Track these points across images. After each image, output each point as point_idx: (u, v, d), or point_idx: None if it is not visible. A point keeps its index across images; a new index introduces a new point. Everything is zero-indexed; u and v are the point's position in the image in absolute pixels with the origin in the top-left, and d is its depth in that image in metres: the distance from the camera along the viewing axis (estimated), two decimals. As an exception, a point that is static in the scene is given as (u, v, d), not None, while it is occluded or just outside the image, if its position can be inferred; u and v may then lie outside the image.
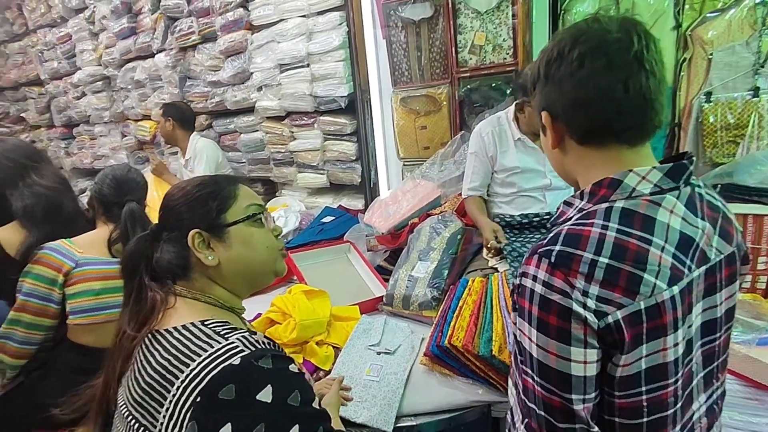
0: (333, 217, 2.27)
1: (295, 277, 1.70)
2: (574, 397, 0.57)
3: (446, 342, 1.12)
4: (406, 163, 2.46)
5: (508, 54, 2.04)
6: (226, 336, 0.63)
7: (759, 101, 1.66)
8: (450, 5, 2.05)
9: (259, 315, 1.42)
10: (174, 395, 0.58)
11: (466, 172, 1.92)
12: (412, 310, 1.44)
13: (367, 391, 1.10)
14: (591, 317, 0.55)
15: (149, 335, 0.67)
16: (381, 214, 2.06)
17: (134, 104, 3.50)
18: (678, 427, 0.63)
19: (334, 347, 1.31)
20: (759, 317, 1.16)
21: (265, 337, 0.69)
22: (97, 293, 1.27)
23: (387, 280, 1.62)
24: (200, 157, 2.64)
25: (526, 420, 0.63)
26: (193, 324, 0.66)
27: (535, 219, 1.74)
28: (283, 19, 2.44)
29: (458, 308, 1.26)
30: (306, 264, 1.75)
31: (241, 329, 0.67)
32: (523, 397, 0.64)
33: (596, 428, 0.58)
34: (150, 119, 3.45)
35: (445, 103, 2.21)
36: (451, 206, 2.02)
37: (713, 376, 0.69)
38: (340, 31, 2.29)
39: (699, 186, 0.65)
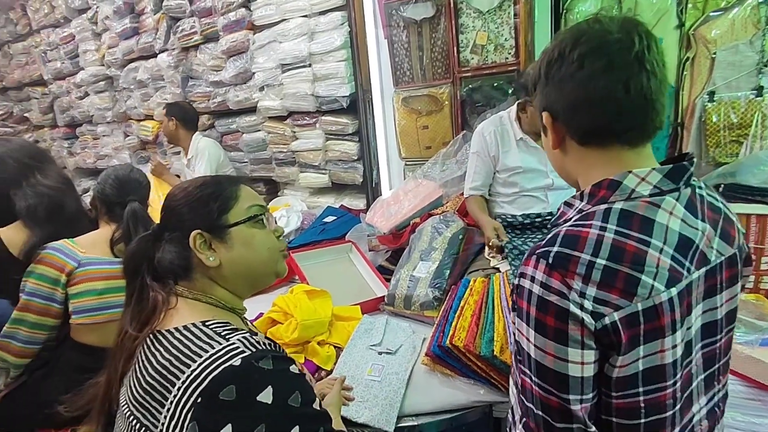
0: (335, 217, 2.27)
1: (297, 277, 1.70)
2: (571, 397, 0.57)
3: (448, 342, 1.12)
4: (407, 163, 2.46)
5: (510, 54, 2.04)
6: (226, 337, 0.64)
7: (762, 100, 1.66)
8: (452, 5, 2.05)
9: (261, 315, 1.42)
10: (175, 396, 0.58)
11: (468, 172, 1.92)
12: (413, 310, 1.44)
13: (368, 391, 1.10)
14: (588, 318, 0.55)
15: (151, 335, 0.67)
16: (383, 214, 2.06)
17: (137, 104, 3.51)
18: (677, 429, 0.62)
19: (335, 347, 1.31)
20: (762, 318, 1.16)
21: (266, 338, 0.69)
22: (99, 293, 1.27)
23: (388, 280, 1.62)
24: (201, 156, 2.65)
25: (524, 419, 0.64)
26: (194, 325, 0.66)
27: (536, 219, 1.73)
28: (285, 19, 2.45)
29: (460, 308, 1.26)
30: (308, 264, 1.75)
31: (242, 330, 0.67)
32: (521, 396, 0.64)
33: (594, 428, 0.58)
34: (152, 119, 3.46)
35: (446, 102, 2.21)
36: (452, 206, 2.02)
37: (714, 379, 0.68)
38: (342, 31, 2.29)
39: (700, 187, 0.65)
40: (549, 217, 1.72)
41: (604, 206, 0.61)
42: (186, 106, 2.80)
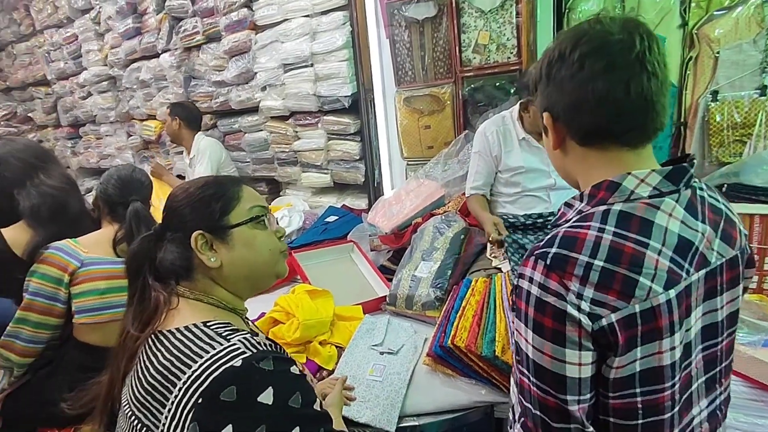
0: (336, 217, 2.27)
1: (299, 277, 1.71)
2: (569, 397, 0.57)
3: (449, 342, 1.12)
4: (409, 163, 2.46)
5: (512, 53, 2.03)
6: (227, 337, 0.64)
7: (766, 100, 1.65)
8: (454, 4, 2.04)
9: (263, 314, 1.42)
10: (176, 396, 0.59)
11: (470, 171, 1.91)
12: (415, 310, 1.44)
13: (370, 391, 1.11)
14: (585, 320, 0.55)
15: (152, 336, 0.67)
16: (384, 214, 2.05)
17: (139, 104, 3.52)
18: (676, 431, 0.62)
19: (337, 347, 1.31)
20: (765, 318, 1.15)
21: (267, 338, 0.69)
22: (102, 292, 1.28)
23: (390, 280, 1.62)
24: (202, 155, 2.66)
25: (523, 419, 0.64)
26: (195, 325, 0.67)
27: (539, 219, 1.73)
28: (287, 19, 2.45)
29: (461, 308, 1.26)
30: (309, 263, 1.75)
31: (243, 330, 0.67)
32: (519, 396, 0.64)
33: (591, 428, 0.58)
34: (155, 119, 3.47)
35: (448, 102, 2.21)
36: (454, 206, 2.01)
37: (716, 381, 0.68)
38: (344, 30, 2.29)
39: (701, 188, 0.64)
40: (551, 218, 1.71)
41: (603, 207, 0.61)
42: (190, 106, 2.81)
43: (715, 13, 1.69)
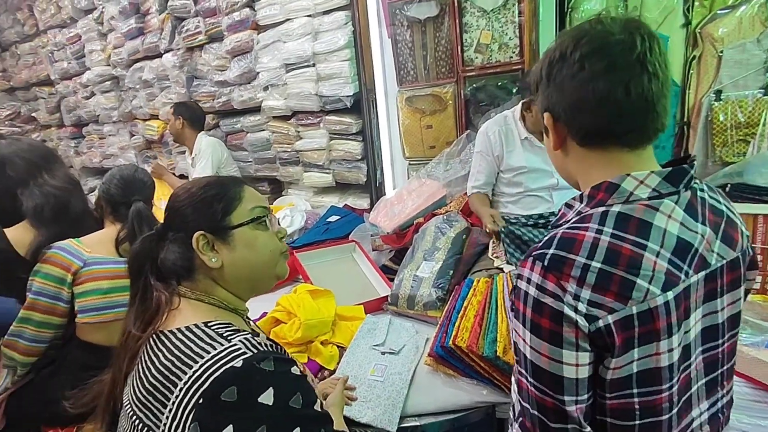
0: (338, 217, 2.28)
1: (301, 277, 1.71)
2: (566, 398, 0.57)
3: (450, 343, 1.12)
4: (411, 163, 2.45)
5: (514, 53, 2.03)
6: (228, 338, 0.64)
7: (770, 99, 1.64)
8: (456, 4, 2.04)
9: (265, 314, 1.43)
10: (177, 396, 0.59)
11: (472, 171, 1.92)
12: (416, 310, 1.44)
13: (371, 391, 1.11)
14: (582, 321, 0.55)
15: (154, 336, 0.68)
16: (386, 214, 2.05)
17: (142, 104, 3.53)
18: None
19: (338, 347, 1.31)
20: (768, 319, 1.15)
21: (268, 339, 0.69)
22: (105, 292, 1.28)
23: (392, 280, 1.62)
24: (202, 155, 2.67)
25: (521, 418, 0.64)
26: (196, 325, 0.67)
27: (540, 219, 1.73)
28: (289, 19, 2.45)
29: (463, 309, 1.25)
30: (311, 263, 1.76)
31: (244, 331, 0.67)
32: (518, 395, 0.65)
33: (588, 429, 0.58)
34: (158, 119, 3.47)
35: (450, 102, 2.20)
36: (456, 206, 2.01)
37: (717, 384, 0.68)
38: (346, 30, 2.29)
39: (702, 190, 0.64)
40: (551, 218, 1.71)
41: (601, 209, 0.61)
42: (193, 106, 2.82)
43: (718, 12, 1.68)
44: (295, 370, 0.64)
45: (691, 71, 1.76)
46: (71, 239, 1.29)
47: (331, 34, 2.32)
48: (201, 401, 0.57)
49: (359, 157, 2.47)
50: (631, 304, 0.55)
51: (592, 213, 0.61)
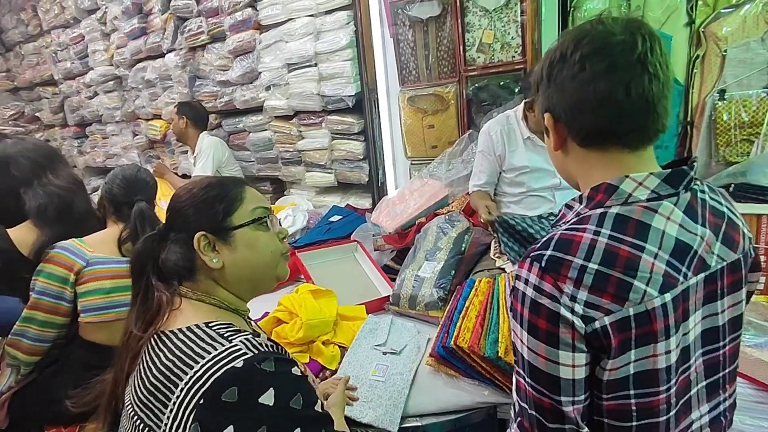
0: (340, 216, 2.28)
1: (303, 277, 1.71)
2: (563, 398, 0.58)
3: (452, 343, 1.12)
4: (413, 162, 2.45)
5: (516, 52, 2.02)
6: (229, 338, 0.64)
7: (774, 99, 1.63)
8: (458, 3, 2.03)
9: (267, 314, 1.43)
10: (178, 396, 0.59)
11: (473, 170, 1.92)
12: (418, 310, 1.44)
13: (372, 392, 1.11)
14: (578, 322, 0.56)
15: (155, 336, 0.68)
16: (388, 214, 2.05)
17: (145, 104, 3.54)
18: None
19: (340, 347, 1.31)
20: (772, 320, 1.14)
21: (269, 339, 0.69)
22: (107, 292, 1.29)
23: (394, 280, 1.62)
24: (203, 154, 2.68)
25: (519, 418, 0.65)
26: (197, 326, 0.67)
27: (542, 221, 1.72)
28: (291, 19, 2.45)
29: (464, 309, 1.25)
30: (313, 263, 1.76)
31: (245, 331, 0.68)
32: (516, 396, 0.65)
33: (586, 429, 0.59)
34: (160, 118, 3.49)
35: (452, 101, 2.20)
36: (458, 206, 2.01)
37: (719, 387, 0.67)
38: (348, 30, 2.29)
39: (703, 191, 0.64)
40: (552, 218, 1.70)
41: (599, 210, 0.61)
42: (197, 106, 2.83)
43: (722, 11, 1.67)
44: (295, 370, 0.64)
45: (694, 70, 1.75)
46: (74, 239, 1.30)
47: (333, 33, 2.32)
48: (202, 401, 0.57)
49: (361, 157, 2.47)
50: (627, 306, 0.55)
51: (590, 214, 0.61)
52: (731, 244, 0.64)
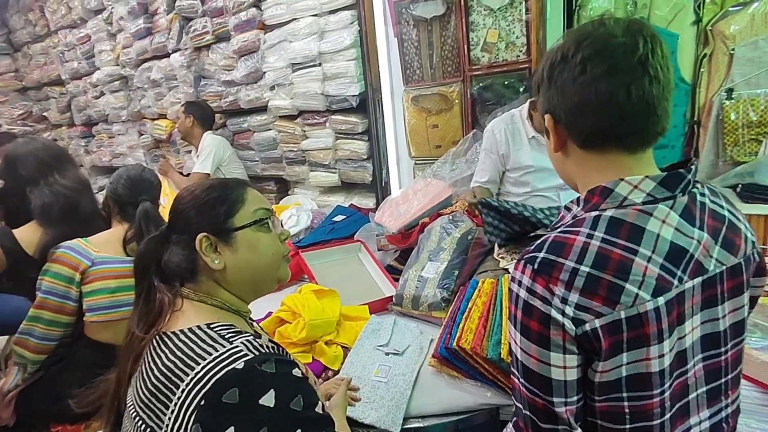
0: (344, 216, 2.27)
1: (306, 276, 1.71)
2: (555, 399, 0.58)
3: (455, 344, 1.12)
4: (417, 162, 2.45)
5: (521, 51, 2.01)
6: (230, 340, 0.64)
7: (783, 98, 1.61)
8: (462, 2, 2.03)
9: (270, 314, 1.43)
10: (179, 398, 0.59)
11: (477, 168, 1.92)
12: (421, 310, 1.44)
13: (375, 392, 1.11)
14: (569, 324, 0.56)
15: (157, 337, 0.68)
16: (392, 214, 2.05)
17: (150, 103, 3.56)
18: None
19: (343, 347, 1.31)
20: (778, 323, 1.13)
21: (270, 340, 0.69)
22: (112, 291, 1.30)
23: (397, 280, 1.62)
24: (204, 151, 2.70)
25: (515, 418, 0.66)
26: (198, 327, 0.67)
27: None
28: (295, 19, 2.46)
29: (467, 310, 1.25)
30: (317, 263, 1.76)
31: (247, 333, 0.68)
32: (512, 396, 0.66)
33: (579, 430, 0.59)
34: (166, 118, 3.51)
35: (456, 101, 2.19)
36: (462, 206, 2.00)
37: (720, 393, 0.67)
38: (352, 29, 2.29)
39: (702, 194, 0.63)
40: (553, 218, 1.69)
41: (594, 213, 0.61)
42: (204, 106, 2.86)
43: (730, 9, 1.65)
44: (296, 372, 0.64)
45: (701, 69, 1.73)
46: (79, 239, 1.31)
47: (337, 33, 2.33)
48: (203, 403, 0.57)
49: (365, 157, 2.47)
50: (619, 309, 0.56)
51: (584, 217, 0.61)
52: (731, 248, 0.63)
